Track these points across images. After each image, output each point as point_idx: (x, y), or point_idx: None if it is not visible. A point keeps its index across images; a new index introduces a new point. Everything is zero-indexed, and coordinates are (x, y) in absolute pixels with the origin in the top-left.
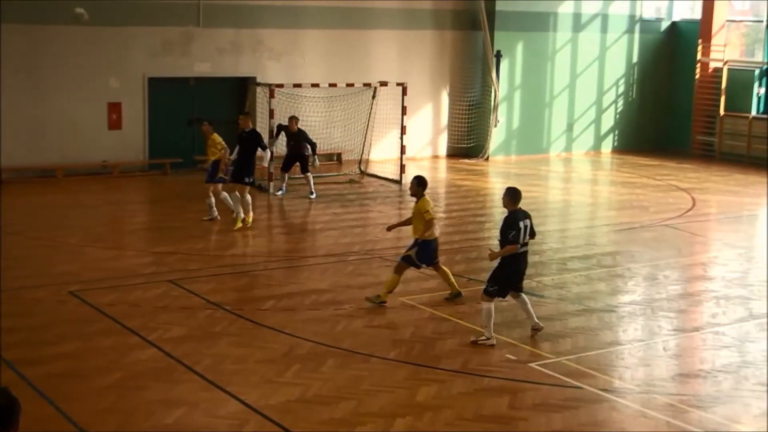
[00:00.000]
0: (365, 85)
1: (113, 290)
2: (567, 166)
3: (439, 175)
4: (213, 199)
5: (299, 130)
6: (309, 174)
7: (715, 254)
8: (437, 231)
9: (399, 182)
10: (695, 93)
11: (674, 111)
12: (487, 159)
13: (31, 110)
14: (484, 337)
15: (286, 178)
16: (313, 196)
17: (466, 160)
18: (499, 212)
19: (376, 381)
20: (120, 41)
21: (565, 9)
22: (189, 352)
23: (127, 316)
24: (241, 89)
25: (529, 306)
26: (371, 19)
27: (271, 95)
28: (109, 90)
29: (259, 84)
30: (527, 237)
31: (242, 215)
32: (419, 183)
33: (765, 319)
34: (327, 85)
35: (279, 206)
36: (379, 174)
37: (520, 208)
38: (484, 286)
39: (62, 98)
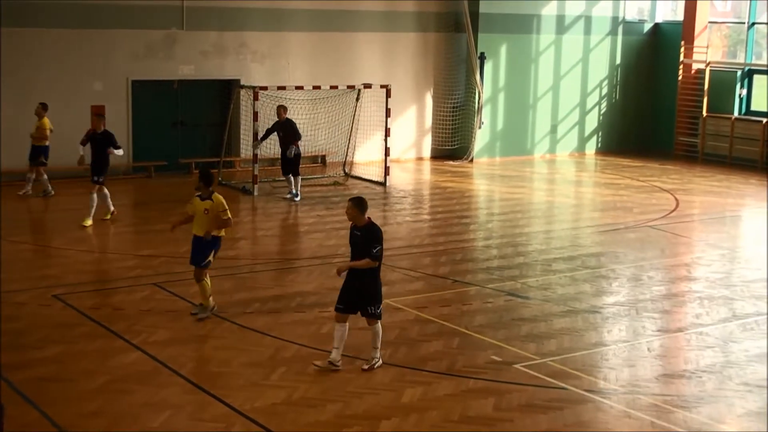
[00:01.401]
0: (349, 87)
1: (97, 294)
2: (551, 167)
3: (423, 177)
4: (33, 175)
5: (287, 119)
6: (299, 177)
7: (698, 255)
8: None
9: (383, 184)
10: (678, 94)
11: (657, 112)
12: (471, 161)
13: (12, 112)
14: (376, 359)
15: (292, 180)
16: (297, 198)
17: (451, 162)
18: (483, 214)
19: (361, 383)
20: (103, 44)
21: (549, 11)
22: (174, 355)
23: (111, 319)
24: (225, 92)
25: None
26: (355, 22)
27: (256, 98)
28: (93, 93)
29: (243, 86)
30: None
31: (112, 208)
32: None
33: (750, 320)
34: (311, 88)
35: (263, 209)
36: (363, 176)
37: (371, 219)
38: (378, 311)
39: (47, 100)
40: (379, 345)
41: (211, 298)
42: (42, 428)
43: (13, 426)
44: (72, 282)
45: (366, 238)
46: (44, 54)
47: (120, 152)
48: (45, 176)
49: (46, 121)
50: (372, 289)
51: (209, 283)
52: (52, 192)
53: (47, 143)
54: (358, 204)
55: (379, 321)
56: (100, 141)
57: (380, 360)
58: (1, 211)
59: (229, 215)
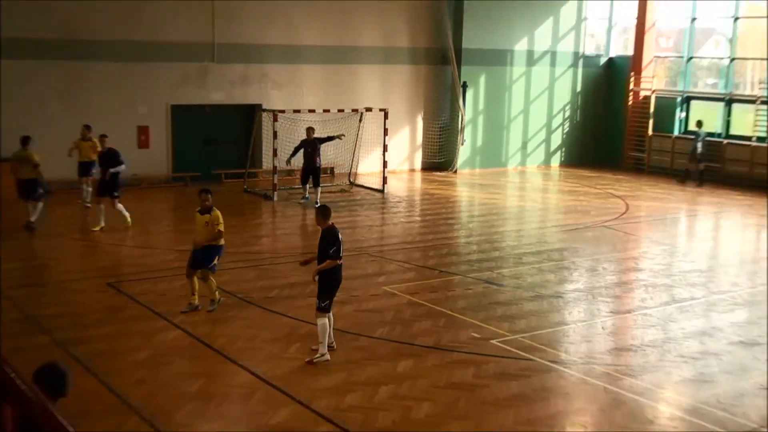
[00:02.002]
0: (353, 110)
1: (144, 282)
2: (522, 177)
3: (415, 185)
4: (89, 187)
5: (315, 138)
6: (319, 188)
7: (644, 250)
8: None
9: (382, 191)
10: (628, 117)
11: (611, 131)
12: (455, 172)
13: (74, 131)
14: (318, 355)
15: (307, 188)
16: (317, 204)
17: (438, 173)
18: (465, 216)
19: (363, 355)
20: (148, 75)
21: (520, 47)
22: (207, 332)
23: (155, 303)
24: (249, 114)
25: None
26: (358, 56)
27: (275, 119)
28: (138, 115)
29: (264, 110)
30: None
31: (102, 224)
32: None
33: (686, 303)
34: (321, 111)
35: (282, 212)
36: (365, 185)
37: (332, 224)
38: (321, 304)
39: (100, 122)
40: (323, 340)
41: (217, 293)
42: (100, 394)
43: (76, 392)
44: (123, 272)
45: (325, 241)
46: (100, 83)
47: (120, 168)
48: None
49: (95, 140)
50: (322, 284)
51: (214, 282)
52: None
53: (94, 159)
54: (320, 211)
55: (324, 315)
56: (104, 159)
57: (326, 356)
58: (59, 215)
59: (222, 228)
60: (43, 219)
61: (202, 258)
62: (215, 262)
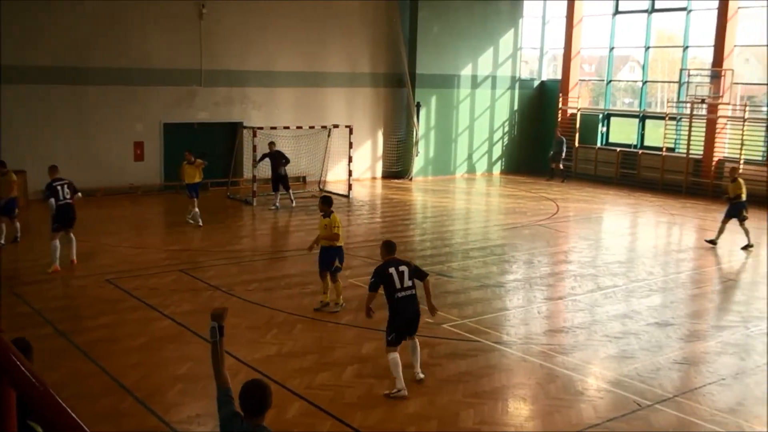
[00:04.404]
0: (323, 127)
1: (139, 278)
2: (469, 183)
3: (376, 191)
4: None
5: (277, 150)
6: (290, 190)
7: (573, 245)
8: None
9: (347, 196)
10: (556, 131)
11: (544, 144)
12: (411, 179)
13: (78, 146)
14: (396, 389)
15: (278, 195)
16: (293, 204)
17: (396, 180)
18: (419, 217)
19: (332, 340)
20: (143, 97)
21: (466, 72)
22: (195, 321)
23: (148, 296)
24: (232, 131)
25: (418, 354)
26: (327, 80)
27: (254, 135)
28: (135, 132)
29: (245, 127)
30: (406, 281)
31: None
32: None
33: (609, 290)
34: (295, 127)
35: (260, 215)
36: (333, 191)
37: (393, 257)
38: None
39: (101, 138)
40: (396, 375)
41: (341, 297)
42: (99, 377)
43: (77, 377)
44: (120, 269)
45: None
46: (100, 104)
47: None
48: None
49: (11, 176)
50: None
51: (340, 284)
52: None
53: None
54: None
55: (388, 350)
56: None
57: (402, 391)
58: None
59: (339, 231)
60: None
61: (328, 261)
62: (337, 264)
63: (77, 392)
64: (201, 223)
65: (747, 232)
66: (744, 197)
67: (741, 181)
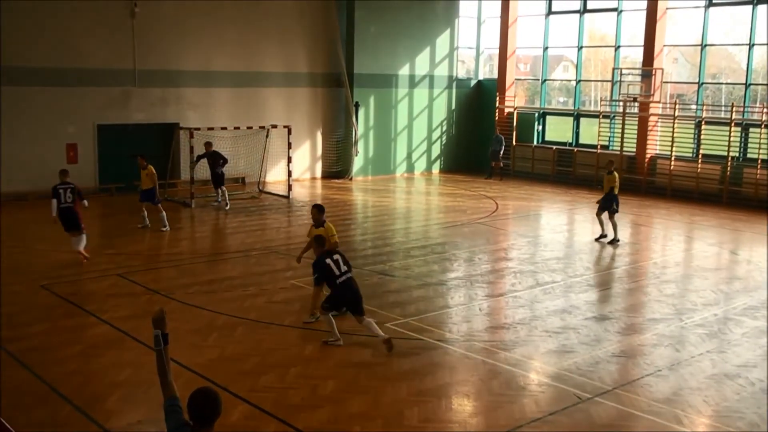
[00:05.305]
0: (261, 127)
1: (74, 283)
2: (408, 182)
3: (316, 191)
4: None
5: (213, 151)
6: (224, 188)
7: (512, 242)
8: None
9: (287, 197)
10: (495, 130)
11: (481, 142)
12: (350, 179)
13: (7, 148)
14: (333, 338)
15: (219, 192)
16: (227, 207)
17: (336, 180)
18: (360, 217)
19: (274, 342)
20: (76, 98)
21: (403, 72)
22: (133, 326)
23: (85, 301)
24: (168, 132)
25: (374, 327)
26: (264, 80)
27: (191, 136)
28: (67, 134)
29: (181, 128)
30: (342, 266)
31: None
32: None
33: (548, 286)
34: (233, 128)
35: (199, 217)
36: (272, 192)
37: (326, 250)
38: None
39: (32, 141)
40: (329, 329)
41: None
42: (34, 386)
43: (11, 386)
44: (55, 275)
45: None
46: (32, 106)
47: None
48: (163, 213)
49: (151, 168)
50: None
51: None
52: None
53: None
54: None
55: (322, 312)
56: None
57: (337, 340)
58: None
59: (337, 239)
60: None
61: None
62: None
63: (12, 402)
64: (166, 228)
65: (615, 226)
66: (617, 190)
67: (616, 174)
